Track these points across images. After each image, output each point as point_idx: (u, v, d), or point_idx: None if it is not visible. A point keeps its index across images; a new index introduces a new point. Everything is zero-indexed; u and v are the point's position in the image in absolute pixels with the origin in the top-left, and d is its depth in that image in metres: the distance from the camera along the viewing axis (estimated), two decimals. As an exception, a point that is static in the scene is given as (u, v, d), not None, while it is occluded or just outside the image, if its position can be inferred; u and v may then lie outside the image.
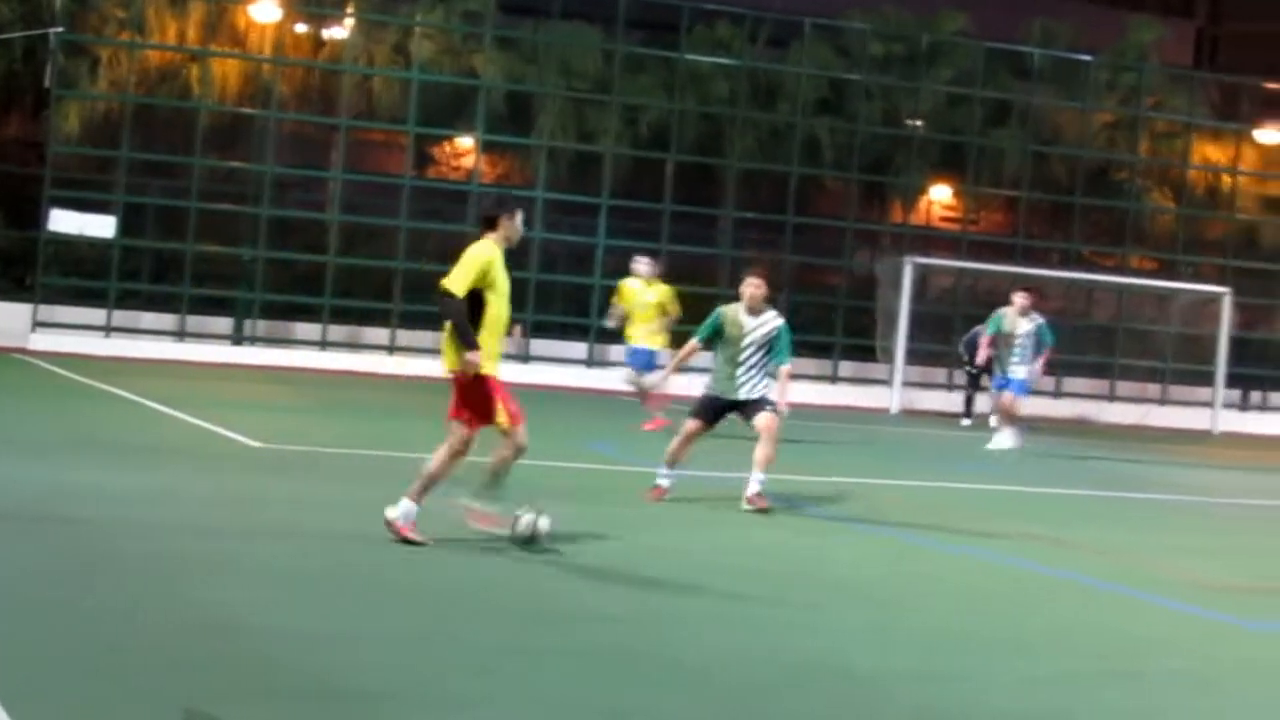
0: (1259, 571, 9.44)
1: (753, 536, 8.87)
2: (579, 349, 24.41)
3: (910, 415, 22.79)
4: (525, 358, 23.73)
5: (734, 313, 10.14)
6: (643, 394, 15.01)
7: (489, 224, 7.80)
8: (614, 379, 18.84)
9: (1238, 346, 25.97)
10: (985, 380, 19.32)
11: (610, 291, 17.04)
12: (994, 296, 21.25)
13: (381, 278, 24.32)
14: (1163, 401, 26.01)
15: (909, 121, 26.35)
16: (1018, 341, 16.23)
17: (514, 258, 8.19)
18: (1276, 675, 6.47)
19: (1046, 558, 9.03)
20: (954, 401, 23.26)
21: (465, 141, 25.82)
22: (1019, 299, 16.38)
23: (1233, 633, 7.41)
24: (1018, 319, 16.20)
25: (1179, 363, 26.33)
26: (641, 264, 15.69)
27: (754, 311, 10.11)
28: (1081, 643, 6.80)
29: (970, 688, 5.73)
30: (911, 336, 23.44)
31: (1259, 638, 7.37)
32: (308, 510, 8.69)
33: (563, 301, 24.98)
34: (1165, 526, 11.77)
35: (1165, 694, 6.03)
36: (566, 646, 5.73)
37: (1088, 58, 27.09)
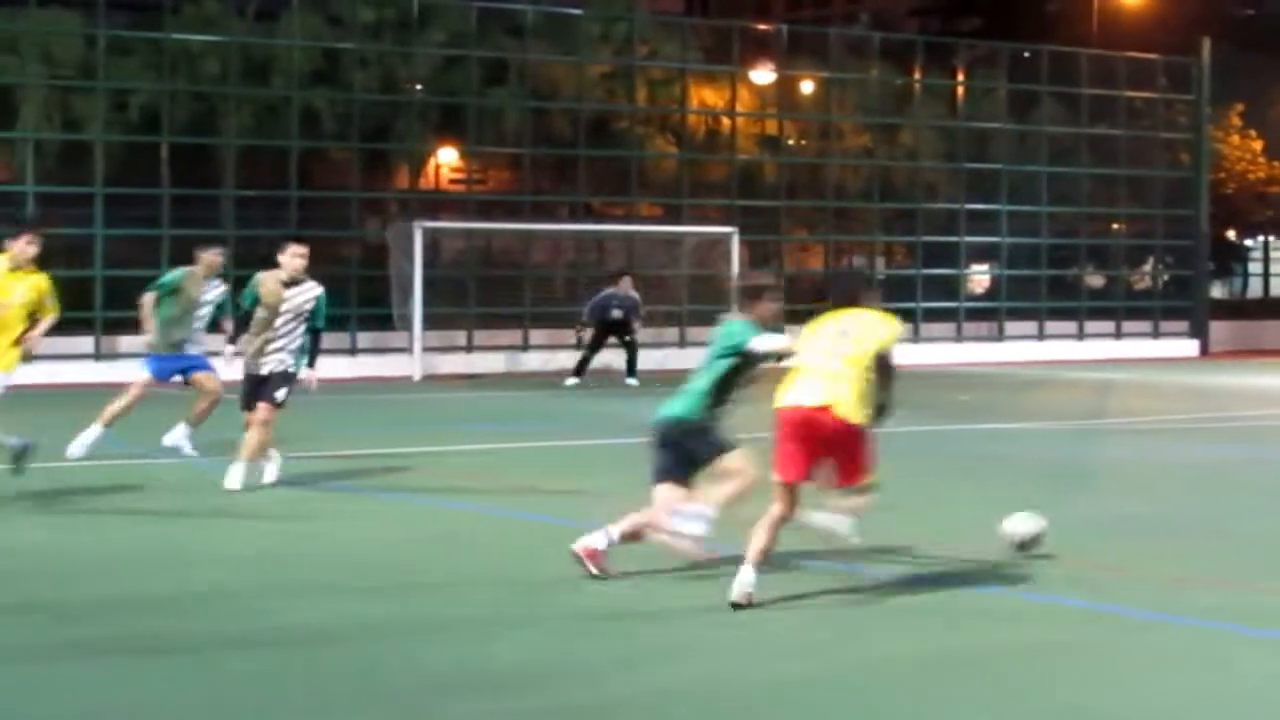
0: None
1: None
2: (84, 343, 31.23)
3: (433, 380, 29.95)
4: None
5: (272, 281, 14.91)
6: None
7: None
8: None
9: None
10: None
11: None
12: (509, 255, 28.61)
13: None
14: (682, 344, 33.98)
15: (410, 86, 33.49)
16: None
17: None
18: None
19: (569, 510, 13.55)
20: (474, 363, 31.04)
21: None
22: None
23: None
24: (203, 281, 16.56)
25: (694, 304, 34.41)
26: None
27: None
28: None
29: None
30: (427, 302, 30.69)
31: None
32: None
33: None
34: None
35: (699, 630, 9.42)
36: None
37: (578, 11, 35.31)
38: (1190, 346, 43.53)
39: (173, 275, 16.11)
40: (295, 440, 16.59)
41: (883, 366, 9.98)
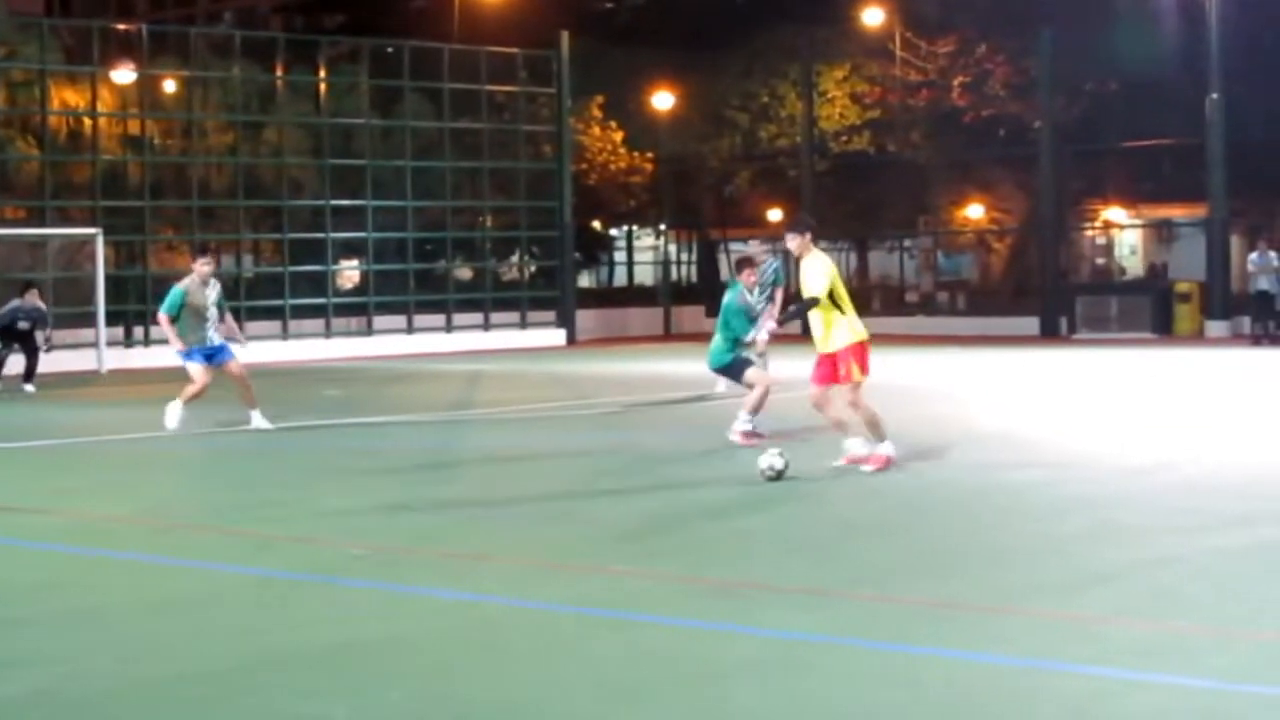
0: (144, 504, 15.45)
1: None
2: None
3: None
4: None
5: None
6: None
7: None
8: None
9: (116, 285, 37.14)
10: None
11: None
12: None
13: None
14: (49, 347, 36.55)
15: None
16: None
17: None
18: (165, 606, 10.59)
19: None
20: None
21: None
22: None
23: (126, 567, 12.01)
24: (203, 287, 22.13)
25: (61, 306, 36.99)
26: None
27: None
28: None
29: None
30: None
31: (152, 570, 11.91)
32: None
33: None
34: (50, 471, 18.46)
35: (59, 634, 9.74)
36: None
37: (-69, 13, 37.41)
38: (558, 336, 47.06)
39: (173, 294, 21.51)
40: None
41: None
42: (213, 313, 21.54)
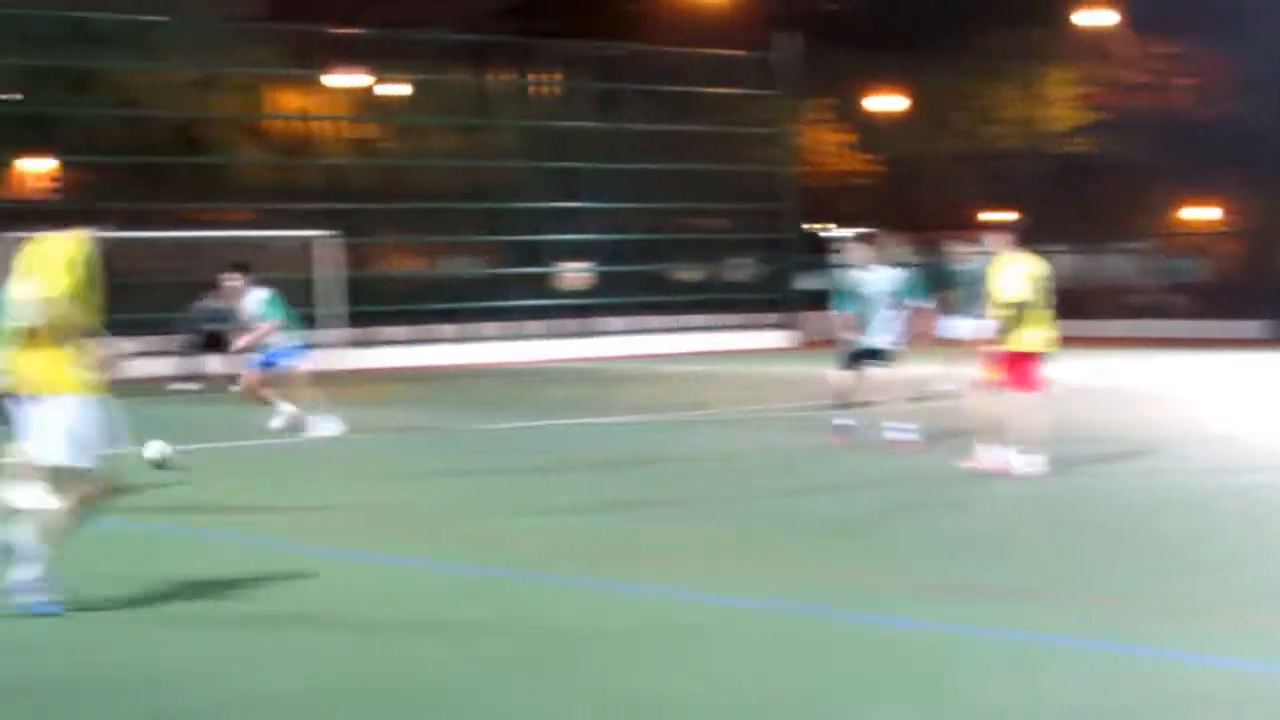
0: (358, 503, 15.55)
1: None
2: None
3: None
4: None
5: None
6: None
7: None
8: None
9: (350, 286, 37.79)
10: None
11: None
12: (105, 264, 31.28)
13: None
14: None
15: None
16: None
17: None
18: (386, 603, 10.85)
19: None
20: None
21: None
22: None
23: (353, 566, 12.25)
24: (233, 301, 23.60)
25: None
26: None
27: None
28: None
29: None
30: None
31: (371, 570, 12.10)
32: None
33: None
34: (276, 471, 18.72)
35: (306, 631, 9.96)
36: None
37: (163, 19, 38.01)
38: (785, 338, 46.88)
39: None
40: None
41: None
42: (262, 325, 22.24)
